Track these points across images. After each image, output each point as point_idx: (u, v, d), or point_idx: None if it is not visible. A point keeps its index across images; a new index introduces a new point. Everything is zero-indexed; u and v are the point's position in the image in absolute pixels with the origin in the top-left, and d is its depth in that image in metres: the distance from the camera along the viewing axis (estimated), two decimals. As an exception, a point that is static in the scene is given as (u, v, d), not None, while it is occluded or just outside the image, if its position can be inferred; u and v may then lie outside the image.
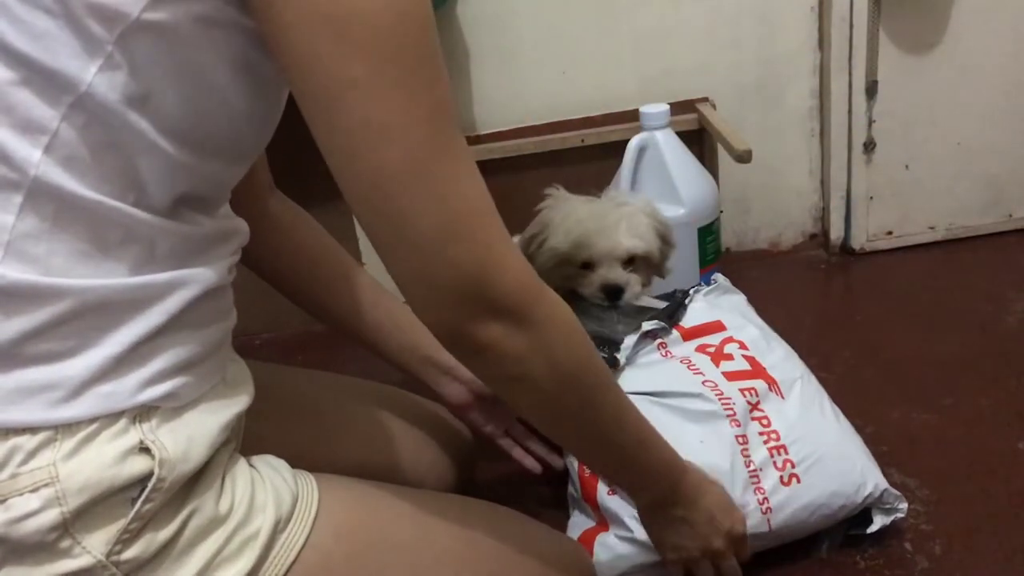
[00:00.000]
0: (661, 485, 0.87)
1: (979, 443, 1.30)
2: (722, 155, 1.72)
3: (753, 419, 1.07)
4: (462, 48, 1.72)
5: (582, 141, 1.77)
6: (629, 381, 1.10)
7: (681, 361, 1.14)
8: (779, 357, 1.18)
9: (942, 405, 1.39)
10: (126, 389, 0.62)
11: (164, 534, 0.64)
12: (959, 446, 1.30)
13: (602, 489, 1.04)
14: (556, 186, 1.37)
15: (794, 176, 1.90)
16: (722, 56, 1.78)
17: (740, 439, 1.04)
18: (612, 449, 0.82)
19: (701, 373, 1.11)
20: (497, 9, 1.70)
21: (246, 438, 0.79)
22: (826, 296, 1.87)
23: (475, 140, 1.76)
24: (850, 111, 1.81)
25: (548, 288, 0.72)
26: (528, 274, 0.69)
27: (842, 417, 1.16)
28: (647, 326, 1.16)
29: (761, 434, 1.06)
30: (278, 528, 0.70)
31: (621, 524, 1.01)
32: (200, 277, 0.66)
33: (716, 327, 1.20)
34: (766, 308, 1.72)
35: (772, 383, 1.12)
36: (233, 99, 0.64)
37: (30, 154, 0.58)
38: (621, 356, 1.13)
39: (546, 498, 1.23)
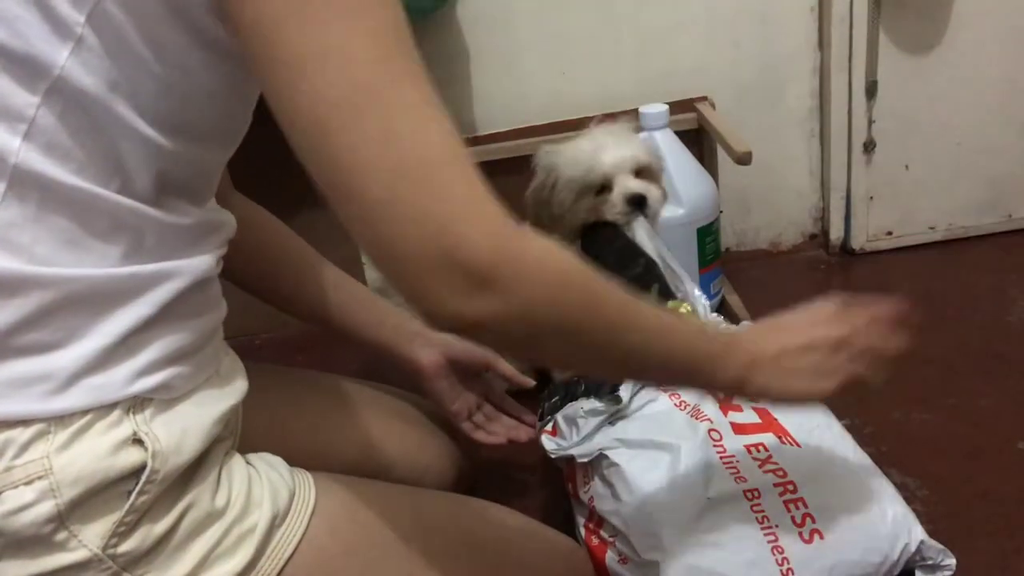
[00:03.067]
0: (720, 363, 0.74)
1: (979, 443, 1.30)
2: (722, 155, 1.72)
3: (766, 471, 0.95)
4: (462, 48, 1.72)
5: (582, 141, 1.77)
6: (625, 430, 1.02)
7: (683, 407, 1.05)
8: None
9: (942, 405, 1.39)
10: (118, 380, 0.62)
11: (160, 527, 0.64)
12: (959, 446, 1.30)
13: (611, 556, 0.97)
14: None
15: (794, 176, 1.90)
16: (722, 56, 1.78)
17: (749, 494, 0.93)
18: (651, 373, 0.75)
19: (708, 419, 1.02)
20: (497, 9, 1.70)
21: (244, 437, 0.80)
22: (826, 296, 1.87)
23: (475, 140, 1.76)
24: (850, 111, 1.80)
25: (531, 232, 0.62)
26: (504, 223, 0.59)
27: (869, 463, 1.02)
28: None
29: (776, 485, 0.93)
30: (275, 524, 0.70)
31: None
32: (189, 268, 0.66)
33: None
34: (766, 308, 1.72)
35: (784, 434, 1.01)
36: (208, 82, 0.63)
37: (9, 142, 0.58)
38: (623, 396, 1.05)
39: (544, 497, 1.23)
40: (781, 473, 0.94)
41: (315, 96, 0.55)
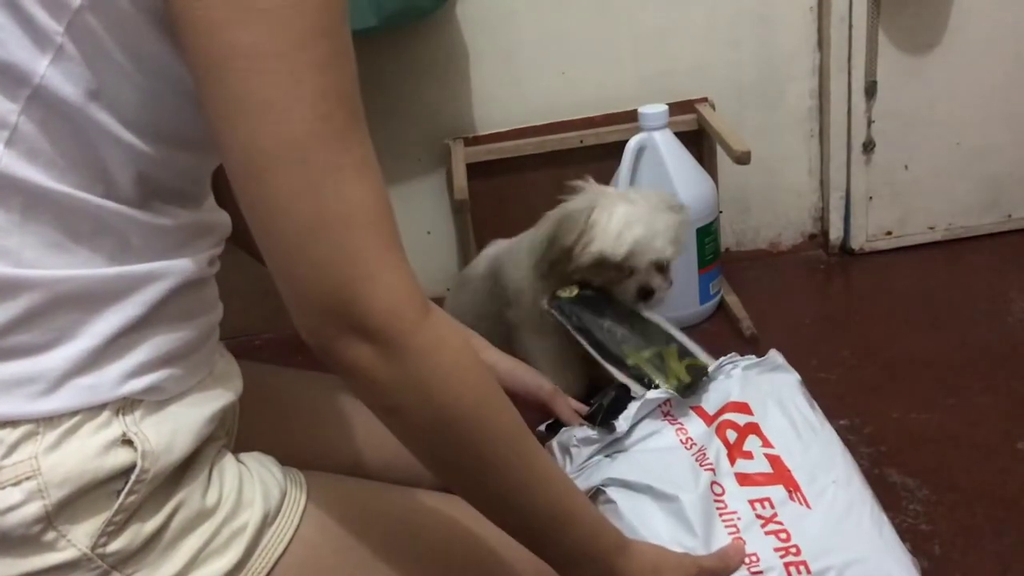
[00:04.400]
0: (586, 570, 0.72)
1: (979, 443, 1.30)
2: (721, 155, 1.72)
3: (768, 533, 0.88)
4: (462, 48, 1.72)
5: (581, 141, 1.77)
6: (625, 469, 0.94)
7: (688, 445, 0.96)
8: (814, 456, 0.96)
9: (942, 405, 1.39)
10: (108, 381, 0.62)
11: (150, 527, 0.64)
12: (959, 446, 1.30)
13: None
14: (587, 177, 1.38)
15: (793, 176, 1.90)
16: (721, 56, 1.78)
17: (748, 558, 0.86)
18: (514, 516, 0.70)
19: (711, 467, 0.93)
20: (497, 9, 1.70)
21: (240, 436, 0.79)
22: (825, 296, 1.87)
23: (474, 140, 1.76)
24: (849, 111, 1.81)
25: (439, 316, 0.62)
26: (408, 297, 0.60)
27: (888, 528, 0.93)
28: (655, 395, 1.00)
29: (777, 550, 0.87)
30: (266, 522, 0.70)
31: None
32: (177, 269, 0.66)
33: (743, 409, 1.00)
34: (766, 308, 1.73)
35: (795, 489, 0.92)
36: (190, 90, 0.63)
37: None
38: (621, 424, 0.98)
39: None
40: (784, 536, 0.88)
41: (249, 141, 0.57)
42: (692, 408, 1.00)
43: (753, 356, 1.07)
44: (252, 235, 0.60)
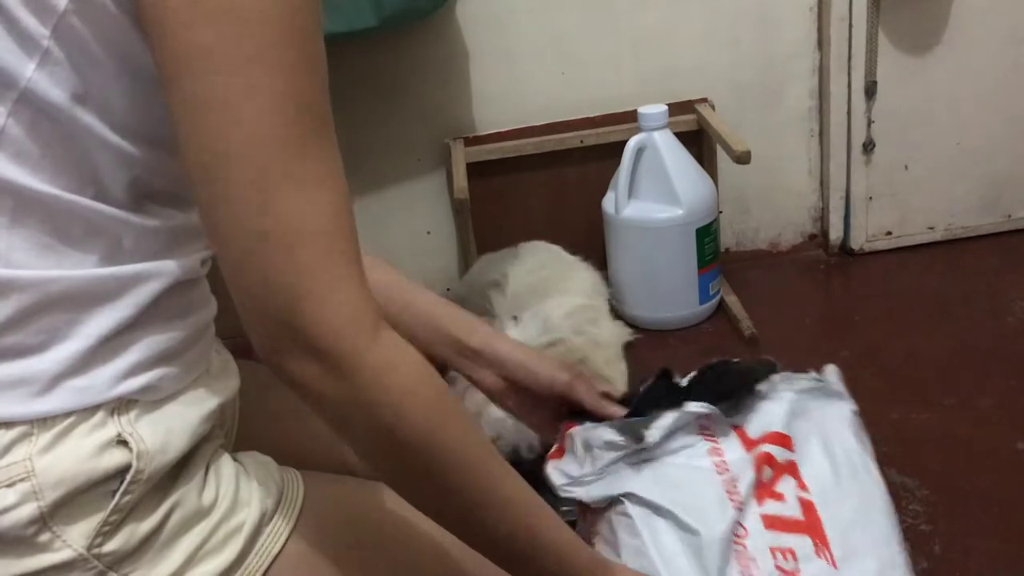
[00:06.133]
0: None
1: (979, 443, 1.30)
2: (721, 156, 1.72)
3: None
4: (462, 48, 1.72)
5: (581, 142, 1.77)
6: (650, 486, 0.85)
7: (721, 470, 0.86)
8: (851, 509, 0.87)
9: (942, 405, 1.39)
10: (102, 382, 0.62)
11: (146, 526, 0.64)
12: (959, 446, 1.30)
13: None
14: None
15: (793, 176, 1.90)
16: (721, 56, 1.78)
17: None
18: (478, 539, 0.68)
19: (739, 504, 0.83)
20: (497, 9, 1.70)
21: (240, 436, 0.79)
22: (825, 296, 1.87)
23: (474, 140, 1.76)
24: (849, 111, 1.80)
25: (390, 337, 0.60)
26: (357, 316, 0.58)
27: None
28: (695, 408, 0.87)
29: None
30: (263, 521, 0.70)
31: None
32: (169, 270, 0.66)
33: (785, 443, 0.89)
34: (765, 309, 1.73)
35: (823, 544, 0.83)
36: None
37: None
38: (653, 433, 0.86)
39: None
40: None
41: (204, 143, 0.56)
42: (733, 428, 0.89)
43: (813, 374, 0.97)
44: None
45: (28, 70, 0.58)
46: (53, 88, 0.58)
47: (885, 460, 1.25)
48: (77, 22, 0.57)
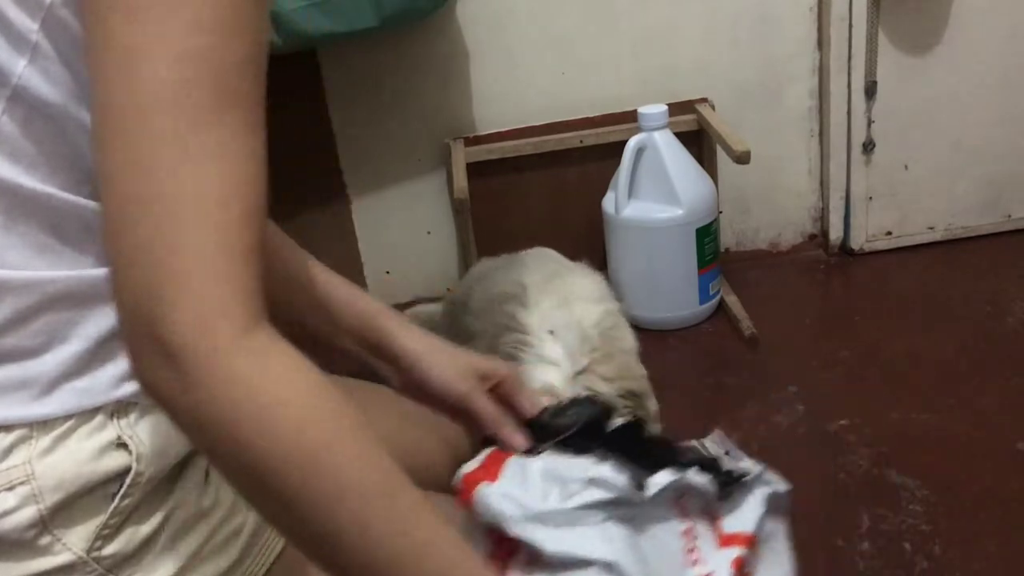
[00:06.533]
0: None
1: (979, 443, 1.30)
2: (721, 156, 1.72)
3: None
4: (462, 48, 1.72)
5: (581, 142, 1.77)
6: (627, 547, 0.65)
7: (694, 562, 0.70)
8: None
9: (942, 405, 1.39)
10: (101, 384, 0.62)
11: (146, 529, 0.64)
12: (959, 446, 1.30)
13: None
14: None
15: (793, 176, 1.90)
16: (721, 56, 1.78)
17: None
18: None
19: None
20: (497, 9, 1.70)
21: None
22: (826, 296, 1.87)
23: (474, 140, 1.76)
24: (849, 111, 1.81)
25: (266, 339, 0.51)
26: (224, 310, 0.49)
27: None
28: (695, 478, 0.70)
29: None
30: (262, 523, 0.70)
31: None
32: None
33: (752, 546, 0.74)
34: (765, 309, 1.73)
35: None
36: None
37: None
38: (651, 488, 0.68)
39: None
40: None
41: (104, 93, 0.51)
42: (707, 515, 0.73)
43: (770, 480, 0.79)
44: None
45: (19, 67, 0.57)
46: (44, 84, 0.58)
47: (885, 460, 1.26)
48: (65, 13, 0.57)
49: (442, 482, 1.06)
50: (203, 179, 0.50)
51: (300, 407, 0.51)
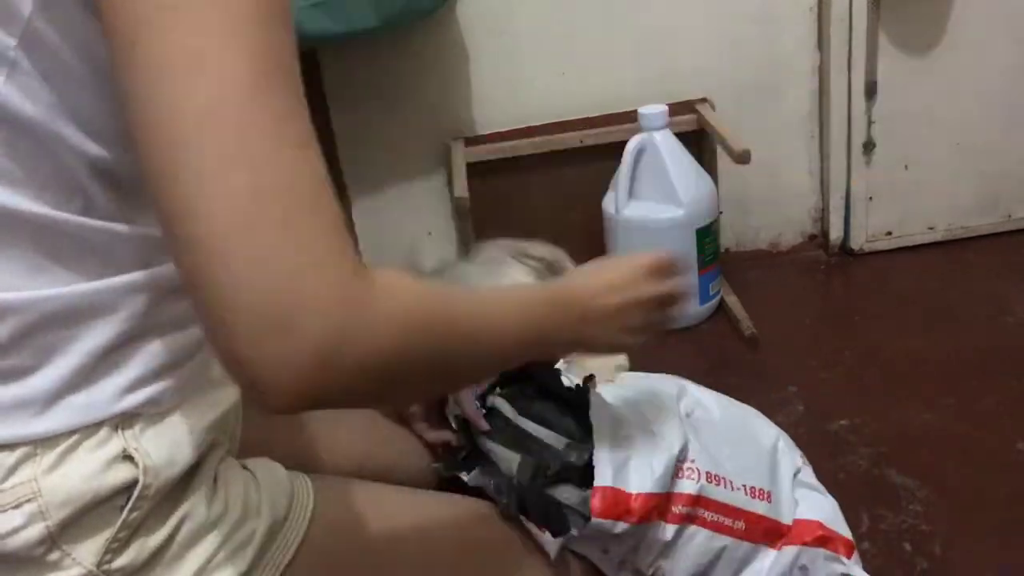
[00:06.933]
0: (563, 336, 0.74)
1: (979, 443, 1.30)
2: (721, 156, 1.72)
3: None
4: (462, 48, 1.72)
5: (581, 142, 1.77)
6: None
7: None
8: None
9: (942, 405, 1.39)
10: (103, 398, 0.61)
11: (155, 540, 0.63)
12: (959, 446, 1.30)
13: None
14: None
15: (793, 177, 1.90)
16: (721, 57, 1.78)
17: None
18: (492, 372, 0.78)
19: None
20: (497, 9, 1.70)
21: (244, 442, 0.79)
22: (826, 296, 1.87)
23: (474, 140, 1.76)
24: (849, 112, 1.80)
25: (374, 278, 0.56)
26: (350, 277, 0.54)
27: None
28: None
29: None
30: (273, 529, 0.70)
31: None
32: (163, 277, 0.65)
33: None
34: (766, 309, 1.73)
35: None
36: None
37: None
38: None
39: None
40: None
41: (175, 101, 0.50)
42: None
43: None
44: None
45: None
46: (25, 102, 0.56)
47: (885, 460, 1.26)
48: (43, 26, 0.55)
49: (426, 478, 1.06)
50: (307, 166, 0.53)
51: (426, 309, 0.59)
